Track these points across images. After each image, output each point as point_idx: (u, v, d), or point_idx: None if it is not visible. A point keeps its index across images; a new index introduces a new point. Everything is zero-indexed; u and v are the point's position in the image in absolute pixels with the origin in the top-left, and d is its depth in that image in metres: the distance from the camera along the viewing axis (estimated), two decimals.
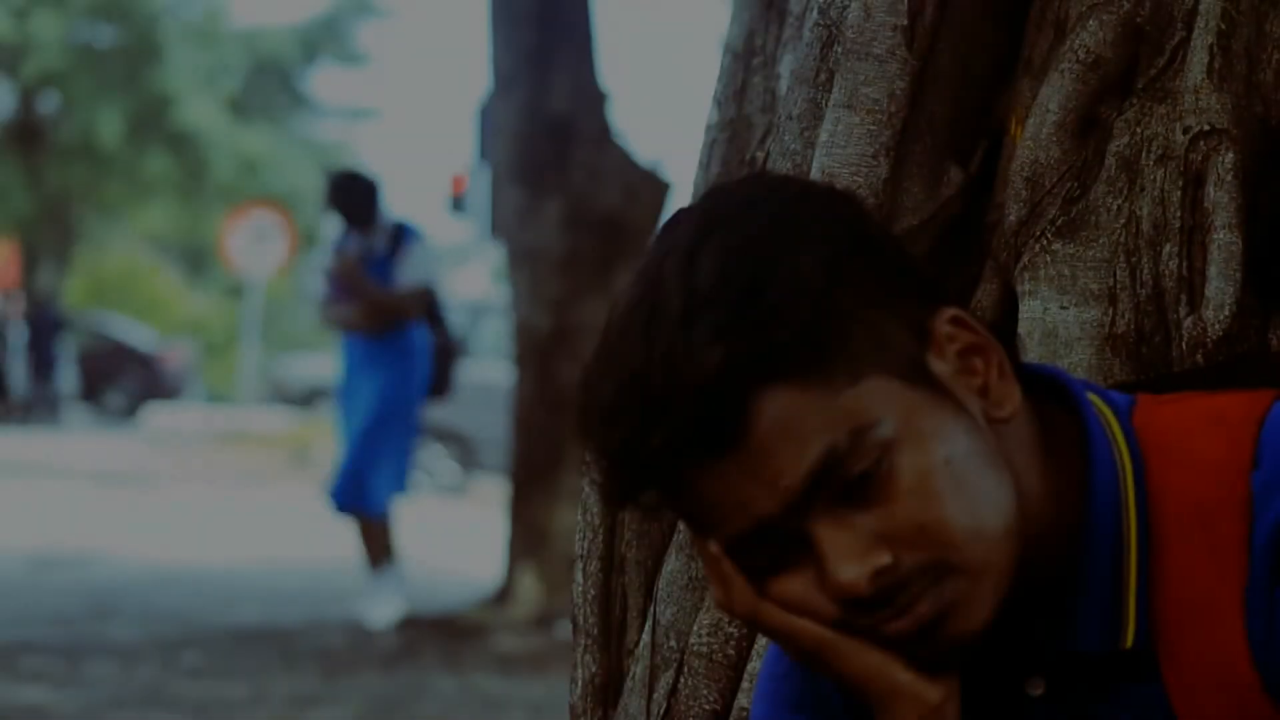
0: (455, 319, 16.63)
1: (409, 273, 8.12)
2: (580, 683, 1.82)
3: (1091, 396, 1.39)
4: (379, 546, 8.20)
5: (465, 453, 16.64)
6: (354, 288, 8.06)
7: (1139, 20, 1.67)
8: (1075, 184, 1.65)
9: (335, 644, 7.72)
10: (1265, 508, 1.32)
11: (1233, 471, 1.34)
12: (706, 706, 1.73)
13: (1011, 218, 1.67)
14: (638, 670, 1.79)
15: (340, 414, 8.41)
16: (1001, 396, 1.35)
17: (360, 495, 8.08)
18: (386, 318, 8.10)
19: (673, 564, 1.79)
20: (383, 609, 8.04)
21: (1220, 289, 1.60)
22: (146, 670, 7.01)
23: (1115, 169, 1.64)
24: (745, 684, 1.71)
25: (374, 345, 8.17)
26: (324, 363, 26.23)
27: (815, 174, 1.70)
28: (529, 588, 7.82)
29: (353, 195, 8.21)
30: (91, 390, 29.20)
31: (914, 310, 1.33)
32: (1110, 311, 1.63)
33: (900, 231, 1.68)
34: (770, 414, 1.28)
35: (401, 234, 8.20)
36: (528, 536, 7.84)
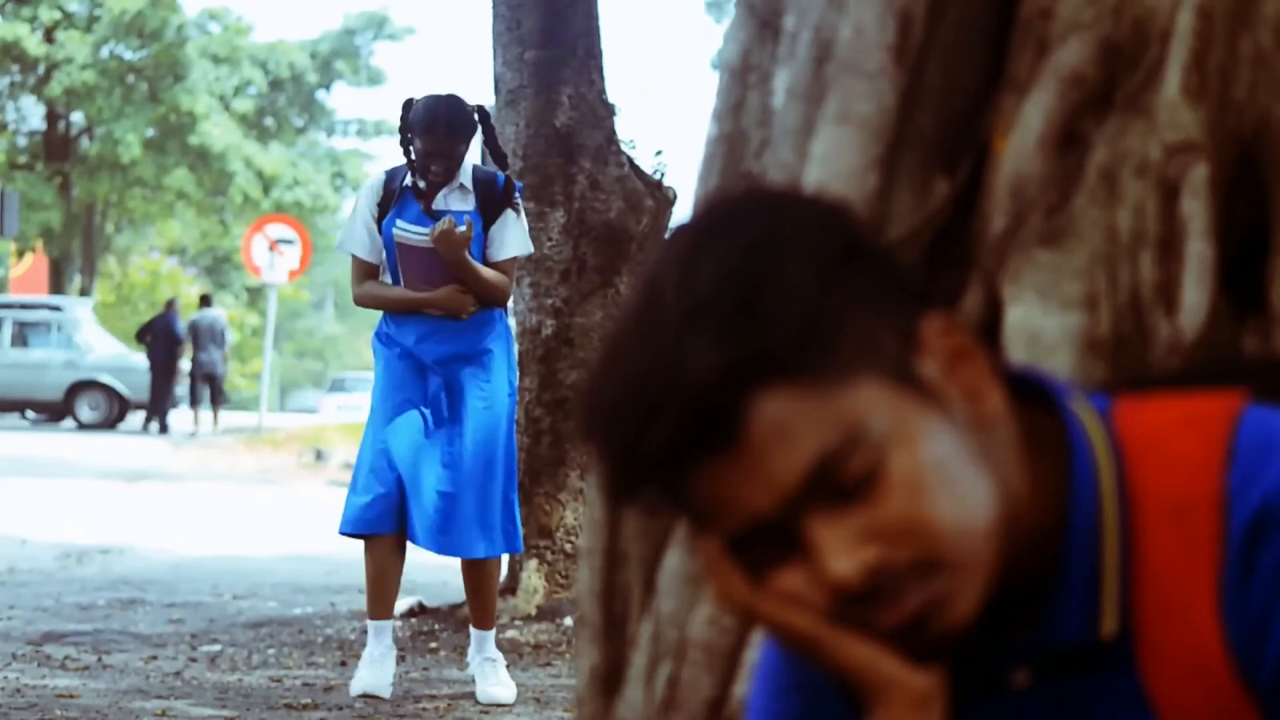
0: None
1: (509, 243, 6.17)
2: (584, 672, 1.85)
3: (1073, 398, 1.42)
4: (492, 596, 6.31)
5: None
6: (454, 265, 6.01)
7: (1118, 39, 1.69)
8: (1057, 195, 1.67)
9: (350, 634, 7.74)
10: (1239, 504, 1.35)
11: (1207, 469, 1.37)
12: (705, 694, 1.75)
13: (996, 227, 1.69)
14: (639, 660, 1.81)
15: (388, 432, 6.13)
16: (987, 399, 1.37)
17: (491, 535, 6.12)
18: (481, 302, 6.14)
19: (673, 559, 1.81)
20: (505, 686, 6.23)
21: (1195, 296, 1.62)
22: (170, 659, 7.04)
23: (1095, 181, 1.66)
24: (742, 673, 1.73)
25: (455, 335, 6.15)
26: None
27: (809, 186, 1.73)
28: (534, 581, 7.83)
29: (454, 125, 6.07)
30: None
31: (903, 316, 1.36)
32: (1091, 317, 1.65)
33: (890, 240, 1.70)
34: (765, 415, 1.31)
35: (497, 188, 6.17)
36: (534, 532, 7.86)
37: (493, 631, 6.35)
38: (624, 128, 8.34)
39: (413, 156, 6.21)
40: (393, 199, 6.22)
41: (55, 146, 38.68)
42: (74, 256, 40.70)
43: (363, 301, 6.35)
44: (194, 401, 27.07)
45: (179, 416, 28.62)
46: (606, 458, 1.36)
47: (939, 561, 1.35)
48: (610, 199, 7.91)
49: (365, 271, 6.29)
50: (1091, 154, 1.68)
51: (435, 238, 5.98)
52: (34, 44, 35.83)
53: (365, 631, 7.73)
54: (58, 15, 36.81)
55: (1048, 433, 1.41)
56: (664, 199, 8.04)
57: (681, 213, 8.05)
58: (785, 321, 1.32)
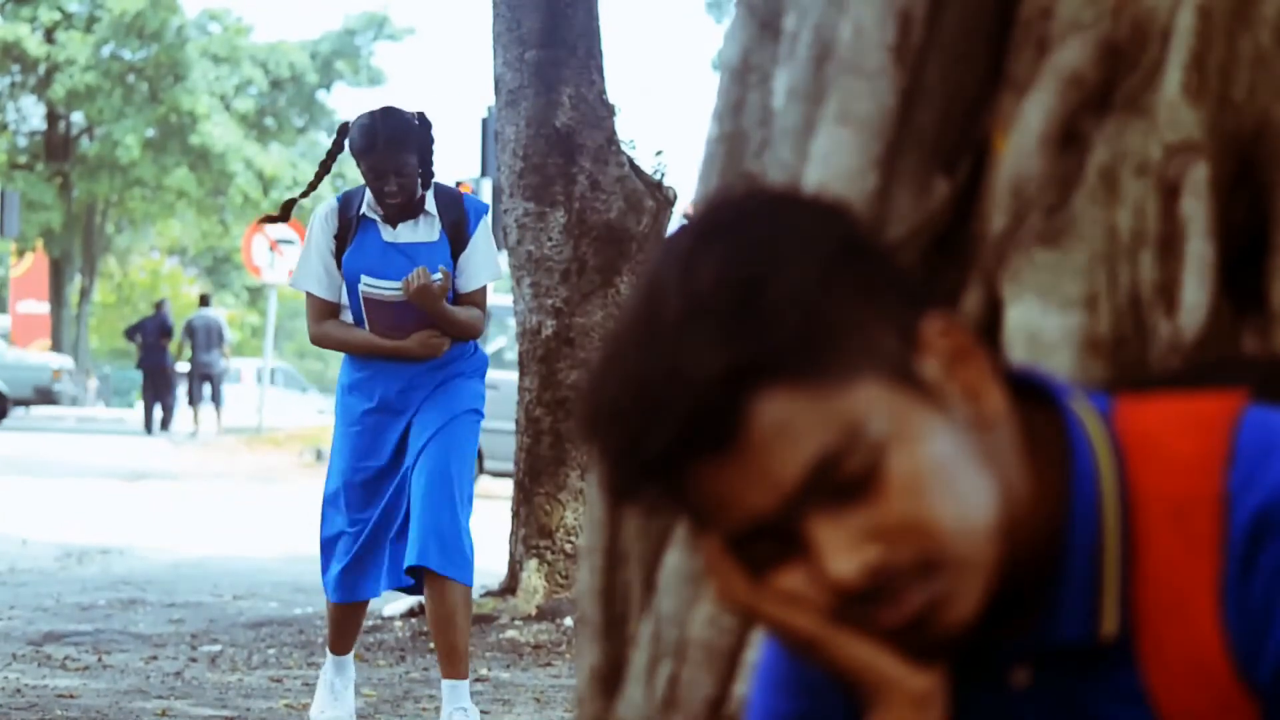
0: None
1: (481, 270, 5.69)
2: (584, 672, 1.85)
3: (1073, 398, 1.42)
4: (462, 633, 5.59)
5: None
6: (432, 315, 5.53)
7: (1118, 39, 1.69)
8: (1057, 195, 1.67)
9: None
10: (1240, 504, 1.36)
11: (1208, 469, 1.38)
12: (704, 693, 1.75)
13: (996, 227, 1.69)
14: (639, 660, 1.81)
15: (346, 506, 5.65)
16: (987, 398, 1.38)
17: (453, 557, 5.54)
18: (454, 339, 5.67)
19: (673, 558, 1.81)
20: None
21: (1195, 295, 1.62)
22: (170, 659, 7.05)
23: (1095, 181, 1.66)
24: (742, 673, 1.73)
25: (431, 378, 5.70)
26: None
27: (809, 186, 1.73)
28: (535, 581, 7.84)
29: (393, 137, 5.50)
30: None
31: (903, 315, 1.36)
32: (1091, 317, 1.65)
33: (890, 240, 1.70)
34: (766, 415, 1.31)
35: (461, 211, 5.67)
36: (533, 532, 7.87)
37: (466, 681, 5.58)
38: (624, 128, 8.33)
39: (321, 179, 5.88)
40: (350, 229, 5.61)
41: (56, 147, 38.76)
42: (74, 257, 40.80)
43: (323, 343, 5.76)
44: (193, 401, 27.07)
45: (178, 416, 28.63)
46: (607, 457, 1.37)
47: (939, 561, 1.35)
48: (610, 199, 7.91)
49: (324, 311, 5.67)
50: (1091, 154, 1.68)
51: (412, 294, 5.46)
52: (34, 44, 35.93)
53: (365, 631, 7.74)
54: (58, 16, 36.88)
55: (1048, 433, 1.42)
56: (664, 199, 8.05)
57: (681, 212, 8.05)
58: (785, 321, 1.32)
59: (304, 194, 5.89)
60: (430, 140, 5.63)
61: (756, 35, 1.86)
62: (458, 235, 5.64)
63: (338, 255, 5.62)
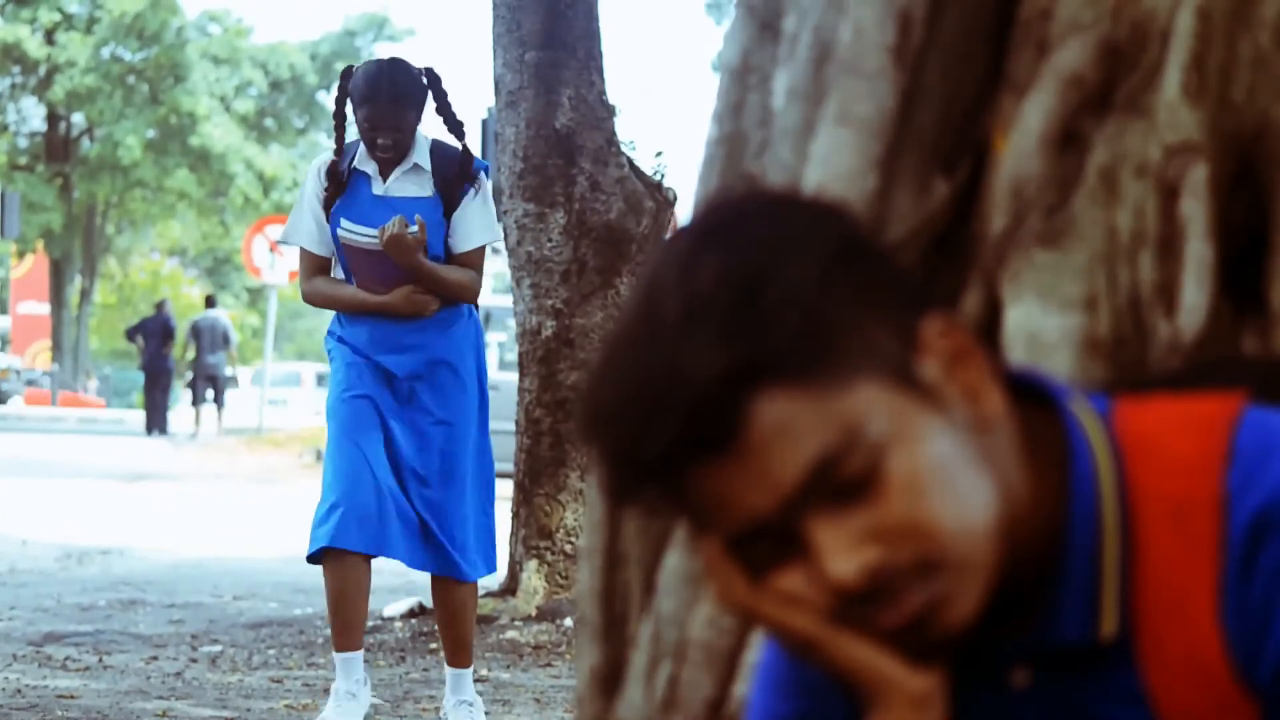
0: None
1: (475, 231, 5.43)
2: (584, 672, 1.85)
3: (1073, 399, 1.42)
4: (468, 627, 5.53)
5: None
6: (409, 271, 5.32)
7: (1117, 40, 1.69)
8: (1057, 196, 1.67)
9: None
10: (1239, 505, 1.36)
11: (1207, 469, 1.38)
12: (704, 694, 1.75)
13: (996, 228, 1.69)
14: (639, 660, 1.81)
15: (357, 435, 5.37)
16: (987, 399, 1.38)
17: (455, 555, 5.42)
18: (442, 300, 5.44)
19: (673, 559, 1.81)
20: None
21: (1195, 296, 1.62)
22: (170, 659, 7.06)
23: (1095, 181, 1.66)
24: (742, 673, 1.73)
25: (417, 341, 5.45)
26: None
27: (808, 187, 1.73)
28: (534, 581, 7.84)
29: (397, 91, 5.32)
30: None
31: (903, 316, 1.37)
32: (1090, 317, 1.65)
33: (890, 241, 1.70)
34: (766, 416, 1.32)
35: (458, 169, 5.43)
36: (533, 533, 7.88)
37: (470, 670, 5.55)
38: (624, 129, 8.32)
39: (344, 130, 5.55)
40: (343, 181, 5.43)
41: (56, 148, 38.82)
42: (74, 258, 40.86)
43: (312, 299, 5.57)
44: (196, 402, 27.07)
45: (180, 417, 28.65)
46: (607, 459, 1.37)
47: (939, 562, 1.35)
48: (610, 200, 7.92)
49: (315, 266, 5.51)
50: (1091, 154, 1.68)
51: (385, 242, 5.24)
52: (34, 46, 35.98)
53: (365, 632, 7.74)
54: (58, 17, 36.93)
55: (1048, 434, 1.42)
56: (664, 200, 8.05)
57: (682, 214, 8.05)
58: (785, 322, 1.32)
59: (336, 154, 5.50)
60: (443, 94, 5.46)
61: (756, 36, 1.87)
62: (451, 193, 5.42)
63: (328, 209, 5.45)
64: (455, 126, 5.54)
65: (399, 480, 5.39)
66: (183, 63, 36.18)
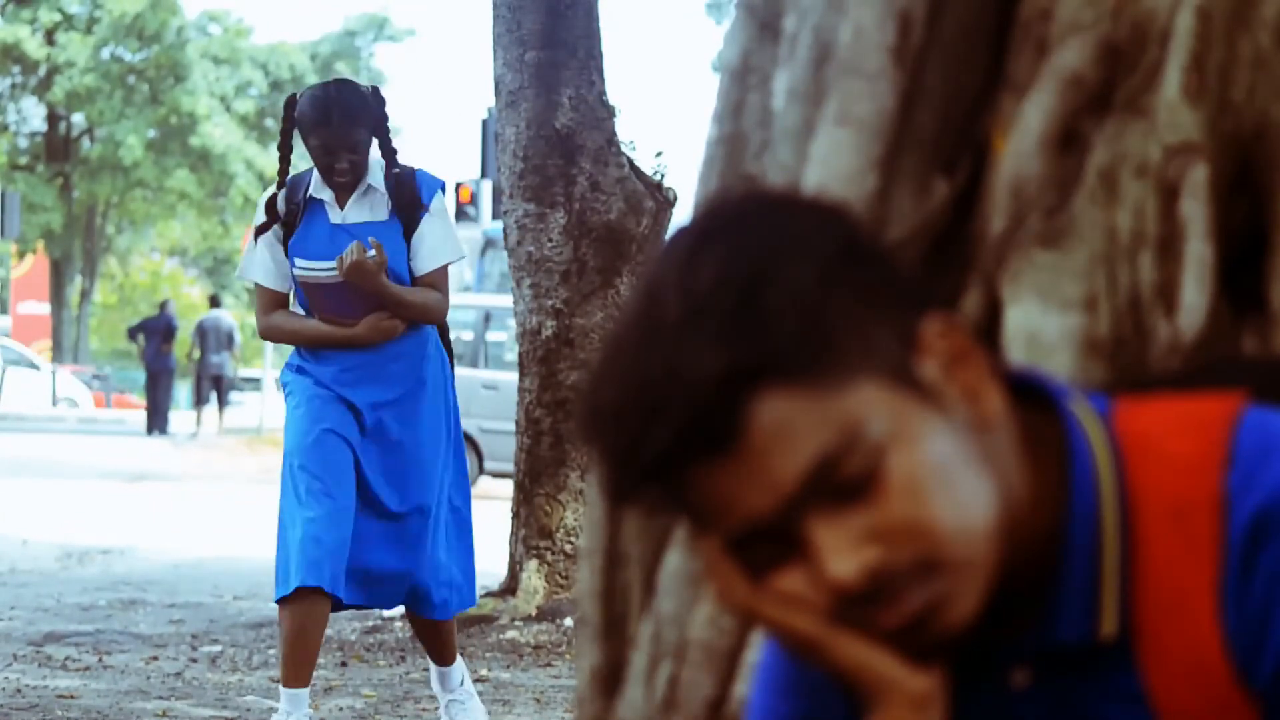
0: (464, 322, 16.74)
1: (436, 251, 5.30)
2: (584, 672, 1.85)
3: (1072, 399, 1.43)
4: (448, 635, 5.48)
5: (473, 453, 16.69)
6: (373, 294, 5.17)
7: (1117, 40, 1.69)
8: (1057, 196, 1.67)
9: (351, 634, 7.76)
10: (1239, 505, 1.36)
11: (1207, 470, 1.38)
12: (704, 694, 1.75)
13: (996, 228, 1.69)
14: (639, 660, 1.81)
15: (324, 470, 5.16)
16: (986, 399, 1.38)
17: (424, 591, 5.32)
18: (407, 324, 5.29)
19: (673, 559, 1.81)
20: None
21: (1195, 296, 1.63)
22: (170, 659, 7.06)
23: (1095, 182, 1.66)
24: (742, 673, 1.73)
25: (381, 370, 5.30)
26: None
27: (808, 187, 1.73)
28: (534, 581, 7.85)
29: (347, 110, 5.16)
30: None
31: (903, 316, 1.37)
32: (1090, 318, 1.65)
33: (890, 241, 1.70)
34: (765, 416, 1.32)
35: (413, 189, 5.28)
36: (533, 532, 7.88)
37: (457, 663, 5.51)
38: (624, 129, 8.33)
39: (289, 162, 5.36)
40: (298, 214, 5.27)
41: (56, 148, 38.84)
42: (75, 258, 40.88)
43: (271, 336, 5.40)
44: (198, 402, 27.07)
45: (180, 417, 28.65)
46: (607, 459, 1.37)
47: (939, 562, 1.35)
48: (611, 200, 7.92)
49: (272, 301, 5.33)
50: (1091, 155, 1.68)
51: (345, 271, 5.07)
52: (35, 46, 36.01)
53: (365, 632, 7.76)
54: (58, 17, 36.94)
55: (1047, 434, 1.42)
56: (664, 200, 8.06)
57: (682, 214, 8.05)
58: (785, 323, 1.32)
59: (278, 187, 5.36)
60: (385, 117, 5.31)
61: (756, 36, 1.87)
62: (409, 215, 5.26)
63: (285, 242, 5.29)
64: (390, 153, 5.34)
65: (368, 514, 5.23)
66: (183, 63, 36.20)
